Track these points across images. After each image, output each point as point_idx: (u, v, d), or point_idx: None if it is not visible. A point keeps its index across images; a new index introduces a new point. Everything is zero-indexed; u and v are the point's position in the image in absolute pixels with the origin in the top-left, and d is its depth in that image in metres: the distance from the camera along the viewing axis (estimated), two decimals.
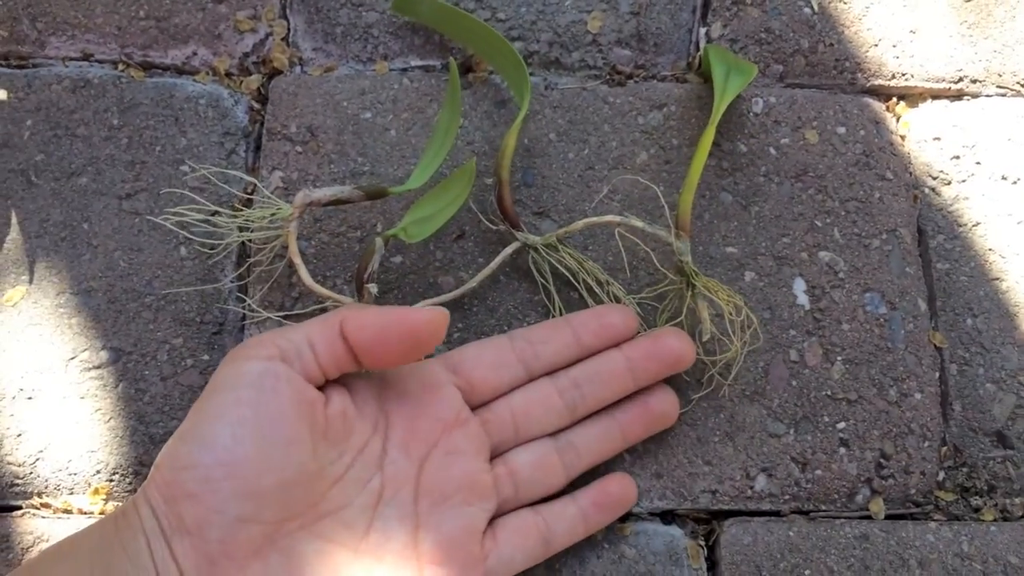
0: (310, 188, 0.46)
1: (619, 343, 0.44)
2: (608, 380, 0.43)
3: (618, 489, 0.43)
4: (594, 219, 0.46)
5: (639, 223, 0.45)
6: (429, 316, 0.37)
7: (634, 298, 0.47)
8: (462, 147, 0.51)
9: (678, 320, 0.46)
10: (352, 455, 0.38)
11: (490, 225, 0.49)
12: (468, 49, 0.52)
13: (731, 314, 0.45)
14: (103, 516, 0.36)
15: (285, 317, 0.47)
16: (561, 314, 0.46)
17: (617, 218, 0.45)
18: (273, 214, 0.45)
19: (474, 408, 0.42)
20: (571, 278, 0.47)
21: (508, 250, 0.46)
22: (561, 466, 0.42)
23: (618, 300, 0.46)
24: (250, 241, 0.48)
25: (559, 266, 0.47)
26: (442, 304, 0.46)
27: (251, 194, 0.50)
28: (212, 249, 0.49)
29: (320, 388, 0.37)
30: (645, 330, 0.46)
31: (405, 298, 0.48)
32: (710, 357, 0.46)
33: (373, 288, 0.44)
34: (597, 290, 0.47)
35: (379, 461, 0.38)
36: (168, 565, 0.33)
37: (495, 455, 0.42)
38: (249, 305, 0.47)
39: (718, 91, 0.48)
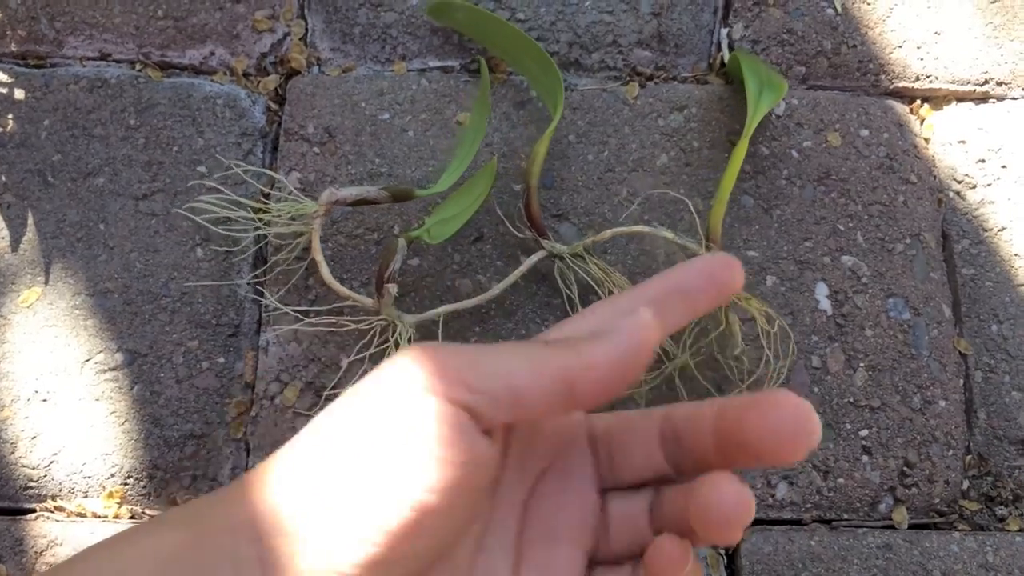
0: (336, 187, 0.45)
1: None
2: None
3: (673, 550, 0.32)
4: (623, 229, 0.45)
5: (669, 234, 0.44)
6: (647, 326, 0.29)
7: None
8: (481, 148, 0.50)
9: (708, 340, 0.45)
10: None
11: (516, 233, 0.48)
12: (500, 56, 0.51)
13: (764, 325, 0.44)
14: (170, 524, 0.29)
15: (303, 313, 0.47)
16: None
17: (647, 229, 0.45)
18: (297, 211, 0.45)
19: None
20: (596, 288, 0.46)
21: (533, 259, 0.46)
22: (649, 530, 0.34)
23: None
24: (271, 236, 0.48)
25: (585, 276, 0.46)
26: (461, 311, 0.46)
27: (268, 196, 0.50)
28: (235, 246, 0.48)
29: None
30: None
31: (423, 301, 0.47)
32: (741, 371, 0.46)
33: (393, 288, 0.43)
34: None
35: (493, 487, 0.32)
36: None
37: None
38: (268, 303, 0.47)
39: (751, 106, 0.47)
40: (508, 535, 0.31)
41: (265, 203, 0.48)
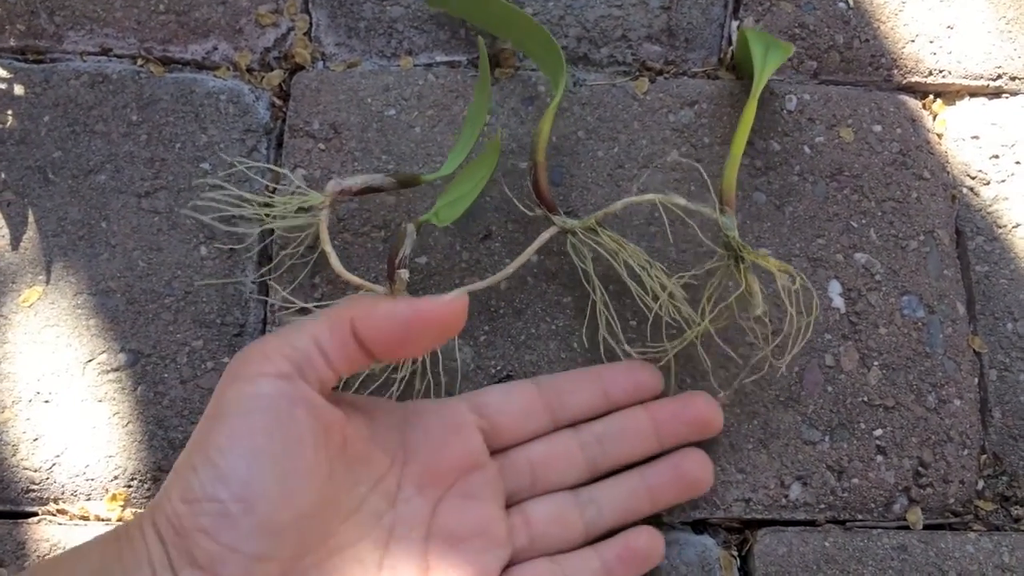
0: (341, 176, 0.44)
1: (646, 400, 0.43)
2: (632, 439, 0.42)
3: (645, 543, 0.41)
4: (635, 198, 0.44)
5: (681, 200, 0.43)
6: (450, 306, 0.35)
7: (680, 277, 0.45)
8: (487, 136, 0.49)
9: (728, 304, 0.44)
10: (368, 486, 0.36)
11: (525, 211, 0.47)
12: (499, 37, 0.51)
13: (785, 283, 0.43)
14: (105, 534, 0.33)
15: (309, 310, 0.46)
16: (606, 303, 0.45)
17: (658, 196, 0.43)
18: (303, 203, 0.44)
19: (492, 453, 0.41)
20: (611, 259, 0.44)
21: (546, 235, 0.45)
22: (581, 522, 0.41)
23: (663, 284, 0.44)
24: (278, 231, 0.47)
25: (599, 249, 0.44)
26: (472, 296, 0.45)
27: (273, 192, 0.49)
28: (240, 243, 0.47)
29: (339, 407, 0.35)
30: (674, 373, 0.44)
31: None
32: (765, 333, 0.45)
33: (404, 274, 0.42)
34: (640, 274, 0.44)
35: (393, 497, 0.37)
36: None
37: (510, 504, 0.41)
38: (275, 300, 0.46)
39: (758, 64, 0.46)
40: (415, 545, 0.37)
41: (271, 197, 0.48)
